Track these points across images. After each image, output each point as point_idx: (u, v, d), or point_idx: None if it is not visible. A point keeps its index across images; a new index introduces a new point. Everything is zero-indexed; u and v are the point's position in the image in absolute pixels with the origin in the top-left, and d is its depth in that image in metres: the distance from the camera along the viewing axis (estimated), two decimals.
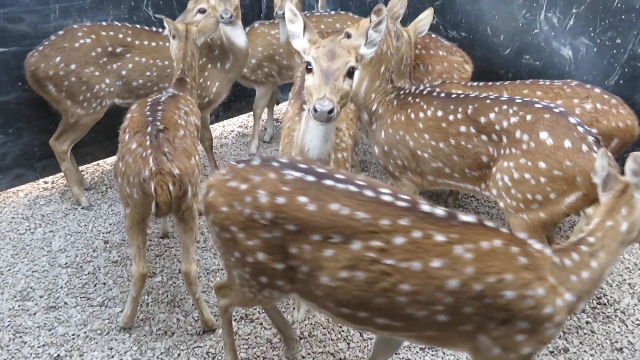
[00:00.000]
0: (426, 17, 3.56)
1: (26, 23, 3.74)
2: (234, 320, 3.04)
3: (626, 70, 3.46)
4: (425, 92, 3.09)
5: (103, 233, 3.76)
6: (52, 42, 3.59)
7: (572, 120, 2.59)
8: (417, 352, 2.86)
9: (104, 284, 3.30)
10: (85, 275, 3.36)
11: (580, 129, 2.56)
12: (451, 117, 2.88)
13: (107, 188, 4.29)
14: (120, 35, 3.74)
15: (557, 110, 2.64)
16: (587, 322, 3.08)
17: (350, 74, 2.10)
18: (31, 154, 4.09)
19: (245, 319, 3.05)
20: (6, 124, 3.88)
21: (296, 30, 2.24)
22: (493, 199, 2.88)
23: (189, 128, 2.88)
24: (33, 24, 3.77)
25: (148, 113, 2.81)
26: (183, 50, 3.26)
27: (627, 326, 3.07)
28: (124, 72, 3.78)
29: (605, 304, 3.22)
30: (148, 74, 3.84)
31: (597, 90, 3.14)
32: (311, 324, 3.04)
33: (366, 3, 4.75)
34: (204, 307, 2.90)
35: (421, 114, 2.99)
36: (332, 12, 4.71)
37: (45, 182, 4.35)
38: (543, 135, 2.56)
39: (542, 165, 2.55)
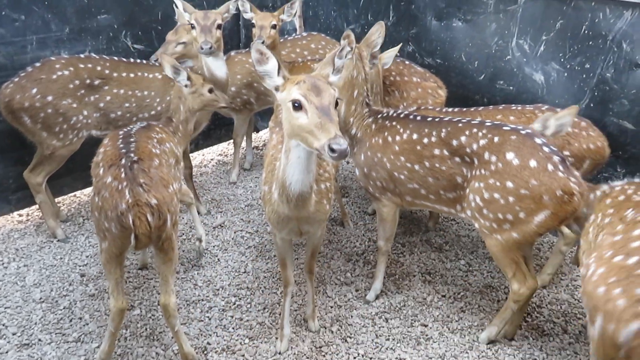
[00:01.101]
0: (392, 51, 3.60)
1: (2, 55, 3.71)
2: (215, 352, 2.98)
3: (596, 93, 3.57)
4: (401, 116, 3.15)
5: (79, 266, 3.67)
6: (28, 73, 3.56)
7: (538, 140, 2.65)
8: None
9: (80, 318, 3.20)
10: (61, 310, 3.27)
11: (545, 149, 2.61)
12: (425, 140, 2.94)
13: (84, 220, 4.21)
14: (99, 68, 3.72)
15: (523, 132, 2.70)
16: (569, 343, 3.09)
17: (336, 105, 2.11)
18: (6, 186, 4.01)
19: (227, 351, 2.99)
20: None
21: (269, 70, 2.20)
22: (469, 221, 2.92)
23: (164, 157, 2.84)
24: (9, 55, 3.74)
25: (121, 145, 2.76)
26: (188, 99, 3.42)
27: None
28: (102, 104, 3.75)
29: (585, 321, 3.23)
30: (127, 105, 3.82)
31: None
32: (294, 354, 2.99)
33: (343, 28, 4.83)
34: (183, 340, 2.82)
35: (397, 137, 3.06)
36: (305, 34, 4.78)
37: (20, 215, 4.26)
38: (509, 155, 2.63)
39: (509, 184, 2.61)
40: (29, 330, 3.10)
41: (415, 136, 2.99)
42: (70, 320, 3.19)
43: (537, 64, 3.81)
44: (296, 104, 2.06)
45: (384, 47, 4.46)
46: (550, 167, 2.56)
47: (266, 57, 2.19)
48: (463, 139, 2.81)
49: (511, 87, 3.99)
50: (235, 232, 4.07)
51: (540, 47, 3.76)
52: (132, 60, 3.95)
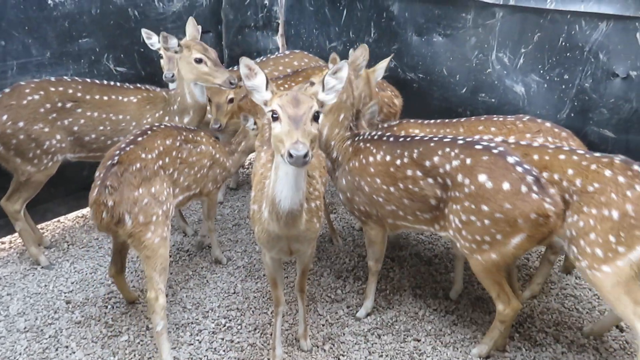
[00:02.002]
0: (383, 62, 3.67)
1: None
2: None
3: (576, 104, 3.64)
4: (376, 137, 3.14)
5: (65, 293, 3.59)
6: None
7: (511, 160, 2.59)
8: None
9: (67, 347, 3.13)
10: (46, 339, 3.18)
11: (519, 168, 2.56)
12: (398, 162, 2.92)
13: (68, 245, 4.14)
14: (70, 90, 3.63)
15: (495, 151, 2.64)
16: (562, 353, 3.09)
17: (315, 118, 2.13)
18: None
19: None
20: None
21: (257, 84, 2.24)
22: (450, 240, 2.88)
23: (155, 162, 3.02)
24: None
25: (122, 146, 3.01)
26: (250, 139, 3.74)
27: (600, 354, 3.09)
28: (75, 128, 3.66)
29: (576, 330, 3.25)
30: (101, 128, 3.73)
31: (548, 124, 3.27)
32: None
33: (326, 48, 4.88)
34: (164, 347, 2.88)
35: (371, 159, 3.05)
36: (287, 52, 4.80)
37: (2, 243, 4.17)
38: (482, 178, 2.58)
39: (484, 208, 2.57)
40: None
41: (388, 157, 2.98)
42: (56, 350, 3.11)
43: (517, 76, 3.87)
44: (274, 115, 2.12)
45: (368, 64, 4.52)
46: (524, 188, 2.50)
47: (254, 72, 2.23)
48: (436, 159, 2.77)
49: (493, 99, 4.05)
50: (223, 252, 4.03)
51: (519, 60, 3.83)
52: (105, 82, 3.85)
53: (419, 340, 3.20)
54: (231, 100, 3.81)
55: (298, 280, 3.01)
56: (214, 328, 3.29)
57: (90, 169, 4.37)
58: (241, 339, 3.20)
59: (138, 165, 2.90)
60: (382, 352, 3.11)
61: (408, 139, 2.99)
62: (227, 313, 3.42)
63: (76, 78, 3.79)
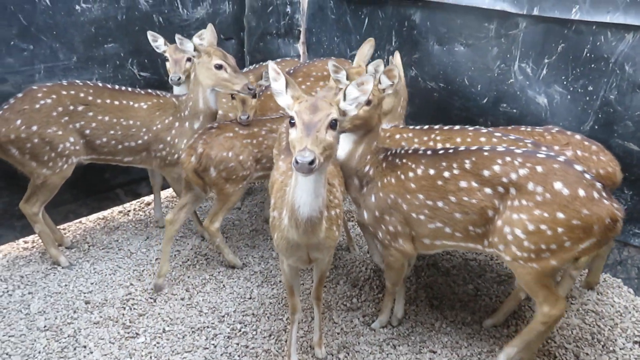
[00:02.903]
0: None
1: (10, 83, 3.76)
2: None
3: (600, 116, 3.58)
4: (410, 152, 2.97)
5: (84, 293, 3.65)
6: (11, 105, 3.53)
7: (578, 167, 2.59)
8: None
9: (85, 346, 3.17)
10: (65, 338, 3.23)
11: (587, 176, 2.55)
12: (447, 174, 2.75)
13: (89, 246, 4.21)
14: (81, 94, 3.67)
15: (562, 159, 2.62)
16: None
17: (332, 126, 2.13)
18: (11, 213, 4.02)
19: None
20: None
21: (279, 88, 2.29)
22: (496, 255, 2.75)
23: (244, 138, 3.70)
24: (17, 84, 3.79)
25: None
26: None
27: None
28: (87, 131, 3.70)
29: (597, 347, 3.17)
30: (112, 132, 3.76)
31: (578, 136, 3.18)
32: None
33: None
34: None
35: (411, 174, 2.86)
36: (323, 59, 4.75)
37: (25, 242, 4.25)
38: (558, 185, 2.52)
39: (560, 215, 2.50)
40: (32, 359, 3.06)
41: (432, 171, 2.79)
42: (75, 349, 3.15)
43: (540, 87, 3.83)
44: (292, 120, 2.15)
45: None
46: (596, 195, 2.49)
47: (279, 75, 2.28)
48: (496, 168, 2.63)
49: (515, 110, 4.00)
50: (240, 258, 4.05)
51: (542, 71, 3.79)
52: (117, 87, 3.88)
53: (434, 352, 3.17)
54: (255, 96, 3.85)
55: (315, 287, 3.00)
56: (229, 333, 3.30)
57: (112, 171, 4.48)
58: (256, 345, 3.21)
59: (231, 134, 3.62)
60: None
61: (450, 151, 2.83)
62: (242, 318, 3.43)
63: (87, 82, 3.82)
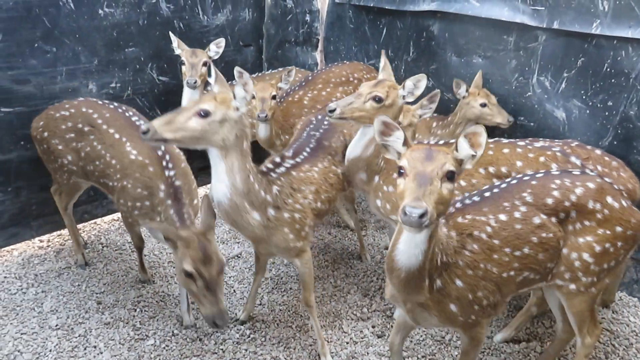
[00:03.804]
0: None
1: (32, 84, 3.84)
2: None
3: (619, 131, 3.53)
4: (462, 205, 2.50)
5: (97, 293, 3.68)
6: (52, 106, 3.63)
7: (607, 179, 2.59)
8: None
9: (95, 347, 3.19)
10: (76, 337, 3.26)
11: (615, 187, 2.56)
12: (517, 214, 2.43)
13: (103, 247, 4.25)
14: (95, 115, 3.44)
15: (593, 173, 2.61)
16: None
17: (450, 178, 1.91)
18: (28, 212, 4.08)
19: None
20: (5, 182, 3.89)
21: (393, 141, 2.11)
22: (559, 286, 2.55)
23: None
24: (39, 85, 3.87)
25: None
26: None
27: None
28: (82, 154, 3.45)
29: None
30: (97, 163, 3.39)
31: (598, 151, 3.13)
32: None
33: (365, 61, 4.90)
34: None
35: (488, 228, 2.40)
36: (346, 63, 4.75)
37: (41, 241, 4.31)
38: (609, 199, 2.48)
39: (618, 229, 2.46)
40: (43, 358, 3.09)
41: (503, 217, 2.42)
42: (85, 349, 3.18)
43: (558, 101, 3.79)
44: (401, 170, 1.96)
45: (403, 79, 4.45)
46: (627, 202, 2.53)
47: (391, 129, 2.10)
48: (556, 193, 2.45)
49: (532, 124, 3.96)
50: (252, 264, 4.05)
51: (561, 84, 3.75)
52: (135, 119, 3.45)
53: None
54: (274, 97, 3.88)
55: (302, 293, 3.08)
56: (238, 338, 3.30)
57: None
58: (264, 352, 3.20)
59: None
60: None
61: (501, 186, 2.55)
62: (252, 324, 3.43)
63: (114, 105, 3.54)
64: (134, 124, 3.39)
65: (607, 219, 2.45)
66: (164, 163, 3.16)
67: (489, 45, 4.07)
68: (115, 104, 3.57)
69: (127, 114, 3.47)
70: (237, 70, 3.42)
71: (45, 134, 3.55)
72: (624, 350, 3.27)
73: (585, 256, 2.44)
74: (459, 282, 2.31)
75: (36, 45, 3.80)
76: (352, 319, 3.51)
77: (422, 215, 1.76)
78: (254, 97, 3.79)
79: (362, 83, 4.50)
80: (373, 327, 3.44)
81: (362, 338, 3.34)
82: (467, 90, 3.91)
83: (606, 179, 2.57)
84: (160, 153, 3.20)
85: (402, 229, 2.03)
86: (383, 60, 3.22)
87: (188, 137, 2.46)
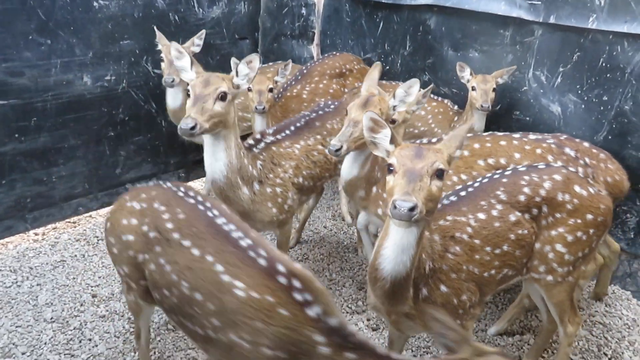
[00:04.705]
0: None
1: (27, 77, 3.81)
2: None
3: (614, 126, 3.54)
4: (446, 204, 2.52)
5: (92, 286, 3.68)
6: None
7: (572, 168, 2.65)
8: None
9: (90, 339, 3.19)
10: (71, 330, 3.26)
11: (580, 175, 2.62)
12: (495, 212, 2.46)
13: (98, 240, 4.24)
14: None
15: (558, 164, 2.67)
16: None
17: (438, 176, 1.95)
18: (23, 205, 4.07)
19: None
20: (0, 175, 3.88)
21: (381, 138, 2.12)
22: (536, 279, 2.60)
23: None
24: (33, 77, 3.84)
25: None
26: None
27: None
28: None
29: (603, 359, 3.14)
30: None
31: (586, 144, 3.16)
32: None
33: (360, 57, 4.88)
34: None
35: (469, 229, 2.42)
36: (335, 54, 4.73)
37: (36, 234, 4.30)
38: (577, 188, 2.53)
39: (589, 217, 2.51)
40: (38, 350, 3.09)
41: (482, 215, 2.44)
42: (80, 342, 3.18)
43: (554, 96, 3.80)
44: (390, 167, 1.99)
45: (401, 77, 4.52)
46: (594, 188, 2.57)
47: (379, 125, 2.12)
48: (527, 190, 2.49)
49: (528, 118, 3.97)
50: None
51: (557, 79, 3.76)
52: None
53: (437, 358, 3.14)
54: (271, 90, 3.87)
55: None
56: None
57: (123, 167, 4.52)
58: None
59: None
60: None
61: (476, 186, 2.57)
62: None
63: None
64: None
65: (577, 209, 2.50)
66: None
67: (486, 39, 4.07)
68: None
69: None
70: (233, 61, 3.43)
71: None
72: (616, 343, 3.29)
73: (559, 247, 2.51)
74: (443, 288, 2.29)
75: (30, 37, 3.77)
76: (347, 312, 3.52)
77: (412, 209, 1.78)
78: (250, 90, 3.79)
79: (352, 75, 4.52)
80: (368, 320, 3.46)
81: (357, 331, 3.35)
82: (471, 74, 3.88)
83: (571, 168, 2.63)
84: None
85: (388, 232, 2.05)
86: (372, 71, 3.16)
87: (216, 122, 2.57)
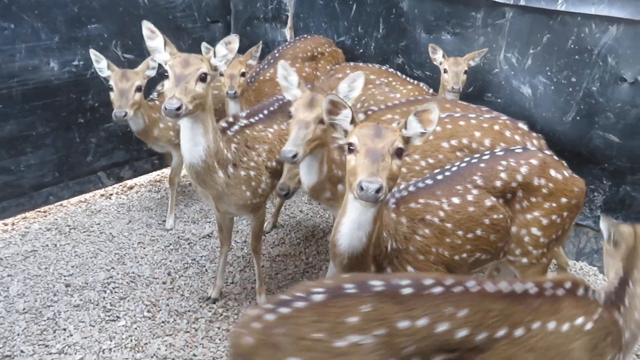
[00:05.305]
0: None
1: None
2: None
3: (582, 107, 3.61)
4: (415, 189, 2.51)
5: (65, 276, 3.62)
6: None
7: (547, 152, 2.71)
8: None
9: (64, 329, 3.16)
10: (45, 321, 3.22)
11: (555, 157, 2.67)
12: (470, 197, 2.47)
13: (70, 229, 4.17)
14: None
15: (534, 148, 2.74)
16: None
17: (398, 154, 1.99)
18: None
19: None
20: None
21: (341, 120, 2.12)
22: (511, 261, 2.67)
23: None
24: None
25: None
26: None
27: None
28: None
29: None
30: None
31: (504, 117, 3.20)
32: None
33: (334, 40, 4.86)
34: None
35: (441, 213, 2.43)
36: (306, 37, 4.71)
37: (5, 224, 4.20)
38: (552, 172, 2.56)
39: (563, 200, 2.56)
40: (11, 342, 3.04)
41: (457, 200, 2.45)
42: (54, 332, 3.14)
43: (524, 77, 3.85)
44: (351, 147, 1.99)
45: (375, 60, 4.51)
46: (569, 172, 2.63)
47: (339, 107, 2.10)
48: (503, 175, 2.51)
49: (499, 100, 4.02)
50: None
51: (527, 61, 3.81)
52: None
53: None
54: (243, 74, 3.83)
55: (250, 241, 3.36)
56: (210, 317, 3.31)
57: (94, 154, 4.44)
58: None
59: None
60: None
61: (454, 171, 2.57)
62: (224, 302, 3.44)
63: None
64: None
65: (552, 192, 2.56)
66: None
67: (458, 21, 4.09)
68: None
69: None
70: (204, 46, 3.37)
71: None
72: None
73: (534, 230, 2.57)
74: (410, 269, 2.33)
75: None
76: None
77: (378, 190, 1.81)
78: (222, 75, 3.74)
79: (324, 58, 4.47)
80: None
81: None
82: (443, 56, 3.90)
83: (547, 152, 2.69)
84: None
85: (346, 210, 2.08)
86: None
87: (197, 104, 2.52)
